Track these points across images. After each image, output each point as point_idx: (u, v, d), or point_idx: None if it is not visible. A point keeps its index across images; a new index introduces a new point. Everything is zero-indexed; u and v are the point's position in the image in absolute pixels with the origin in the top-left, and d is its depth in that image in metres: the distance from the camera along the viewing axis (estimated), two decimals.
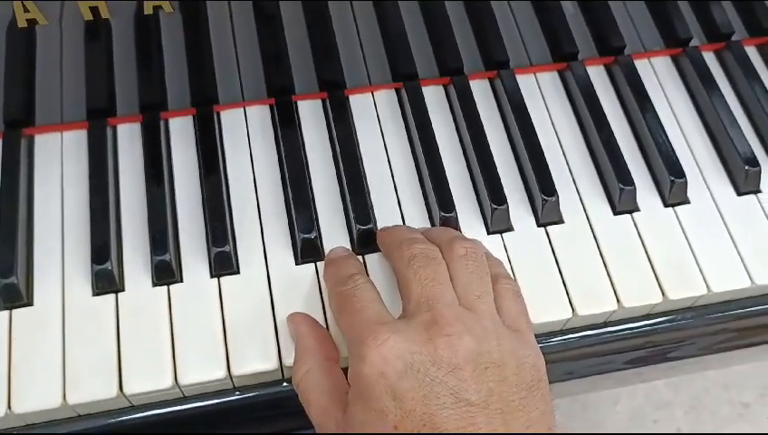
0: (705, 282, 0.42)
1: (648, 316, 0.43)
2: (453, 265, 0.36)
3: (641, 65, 0.49)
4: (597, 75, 0.49)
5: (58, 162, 0.44)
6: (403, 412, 0.31)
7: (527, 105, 0.47)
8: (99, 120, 0.45)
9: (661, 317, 0.43)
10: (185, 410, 0.39)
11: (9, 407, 0.37)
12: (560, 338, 0.42)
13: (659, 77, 0.50)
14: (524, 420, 0.32)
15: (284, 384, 0.40)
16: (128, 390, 0.37)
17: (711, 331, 0.44)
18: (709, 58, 0.50)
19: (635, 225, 0.44)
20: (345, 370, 0.35)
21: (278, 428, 0.42)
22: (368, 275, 0.40)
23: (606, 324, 0.43)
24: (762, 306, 0.44)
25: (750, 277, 0.42)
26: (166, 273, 0.40)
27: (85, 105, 0.45)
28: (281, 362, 0.38)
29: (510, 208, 0.43)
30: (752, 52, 0.51)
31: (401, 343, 0.32)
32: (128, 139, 0.45)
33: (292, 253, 0.42)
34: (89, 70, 0.44)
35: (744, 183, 0.45)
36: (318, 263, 0.41)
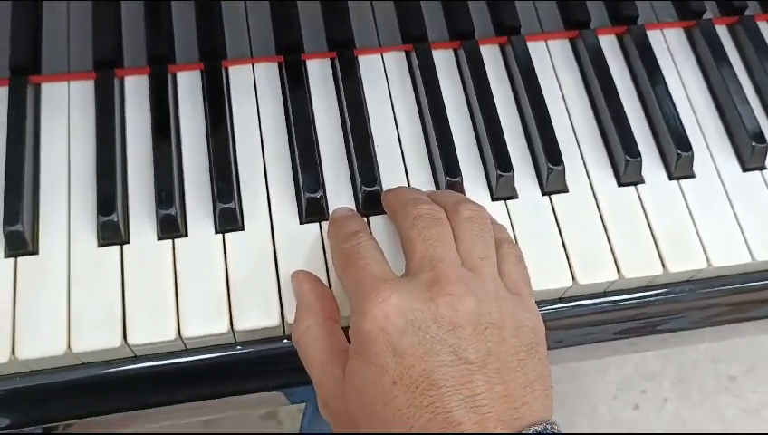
0: (706, 256, 0.42)
1: (643, 288, 0.43)
2: (458, 226, 0.36)
3: (653, 36, 0.49)
4: (608, 45, 0.49)
5: (65, 112, 0.43)
6: (402, 368, 0.31)
7: (537, 73, 0.46)
8: (106, 71, 0.44)
9: (655, 290, 0.43)
10: (187, 362, 0.40)
11: (13, 353, 0.37)
12: (553, 307, 0.42)
13: (671, 49, 0.49)
14: (522, 381, 0.32)
15: (285, 341, 0.40)
16: (131, 340, 0.38)
17: (705, 304, 0.45)
18: (722, 32, 0.50)
19: (639, 197, 0.44)
20: (346, 329, 0.36)
21: (278, 383, 0.43)
22: None
23: (602, 294, 0.43)
24: (757, 282, 0.44)
25: (751, 253, 0.42)
26: (171, 226, 0.40)
27: (92, 55, 0.44)
28: (283, 318, 0.39)
29: (515, 176, 0.43)
30: (764, 27, 0.50)
31: (403, 301, 0.32)
32: (135, 91, 0.45)
33: (297, 211, 0.42)
34: (96, 19, 0.44)
35: (750, 159, 0.45)
36: (322, 223, 0.41)
